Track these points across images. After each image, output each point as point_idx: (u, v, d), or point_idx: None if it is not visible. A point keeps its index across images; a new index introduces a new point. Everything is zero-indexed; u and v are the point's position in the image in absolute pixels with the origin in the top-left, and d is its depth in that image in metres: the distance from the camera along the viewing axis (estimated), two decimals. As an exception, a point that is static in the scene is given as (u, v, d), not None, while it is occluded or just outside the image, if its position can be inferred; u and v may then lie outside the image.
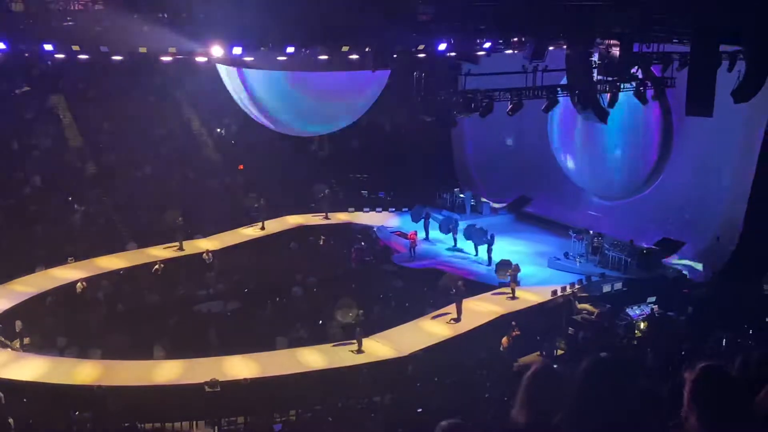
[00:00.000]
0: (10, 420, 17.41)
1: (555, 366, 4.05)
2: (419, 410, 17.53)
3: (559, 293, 25.59)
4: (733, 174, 27.06)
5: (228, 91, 28.11)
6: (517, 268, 26.45)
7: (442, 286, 26.18)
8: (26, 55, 21.23)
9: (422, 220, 32.44)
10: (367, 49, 22.94)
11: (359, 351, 21.87)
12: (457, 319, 23.89)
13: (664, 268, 27.95)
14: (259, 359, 21.47)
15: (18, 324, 22.58)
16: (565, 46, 23.61)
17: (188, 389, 19.73)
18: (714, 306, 24.26)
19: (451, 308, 24.30)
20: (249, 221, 32.18)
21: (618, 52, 23.96)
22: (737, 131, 26.34)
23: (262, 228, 31.90)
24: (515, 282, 25.92)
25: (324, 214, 33.92)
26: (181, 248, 29.12)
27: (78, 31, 19.56)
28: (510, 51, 25.59)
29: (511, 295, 25.67)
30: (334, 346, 22.38)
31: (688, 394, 3.79)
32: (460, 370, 21.34)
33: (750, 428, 3.72)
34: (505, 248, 29.70)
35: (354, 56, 23.63)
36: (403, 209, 35.30)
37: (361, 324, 22.18)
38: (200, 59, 23.38)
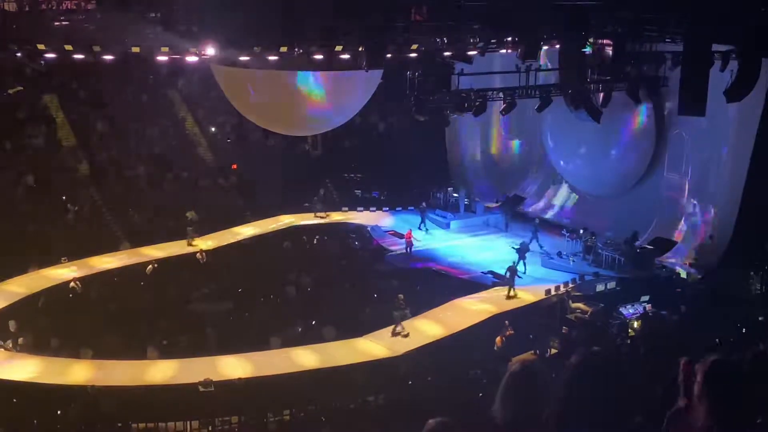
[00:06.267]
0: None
1: (538, 366, 4.02)
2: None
3: (552, 292, 25.60)
4: (726, 172, 27.10)
5: (221, 90, 28.00)
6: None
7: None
8: (18, 54, 21.17)
9: (420, 214, 33.00)
10: (360, 49, 22.90)
11: (395, 334, 22.72)
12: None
13: (657, 267, 27.98)
14: (253, 359, 21.44)
15: (12, 324, 22.52)
16: (558, 46, 23.67)
17: (182, 389, 19.70)
18: (707, 304, 24.33)
19: (450, 305, 24.61)
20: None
21: (611, 52, 24.07)
22: (730, 130, 26.39)
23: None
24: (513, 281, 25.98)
25: (324, 214, 33.83)
26: (191, 245, 29.32)
27: (70, 30, 19.51)
28: (503, 50, 25.60)
29: (506, 295, 25.70)
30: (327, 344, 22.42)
31: (698, 386, 3.84)
32: (453, 369, 21.34)
33: (759, 420, 3.80)
34: (500, 247, 29.72)
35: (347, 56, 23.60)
36: (397, 208, 35.29)
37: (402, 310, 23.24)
38: (193, 58, 23.29)
